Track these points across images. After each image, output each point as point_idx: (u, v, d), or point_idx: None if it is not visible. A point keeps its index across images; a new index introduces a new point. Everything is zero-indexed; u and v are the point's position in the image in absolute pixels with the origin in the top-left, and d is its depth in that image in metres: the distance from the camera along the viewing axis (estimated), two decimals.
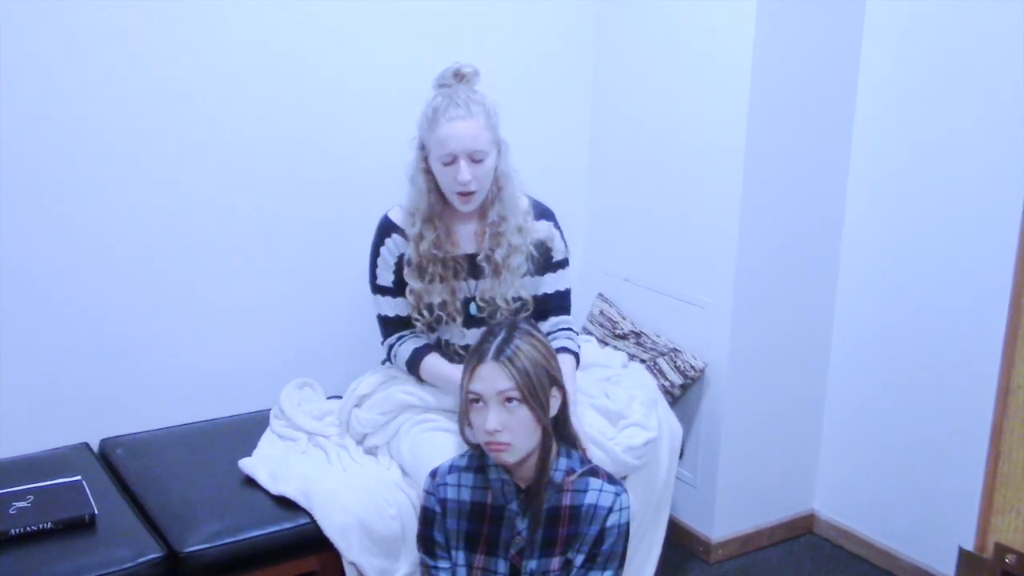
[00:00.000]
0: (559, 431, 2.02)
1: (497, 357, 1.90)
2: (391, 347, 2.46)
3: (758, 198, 2.79)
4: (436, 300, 2.36)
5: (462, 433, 2.05)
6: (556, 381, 1.97)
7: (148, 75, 2.50)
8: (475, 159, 2.25)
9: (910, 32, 2.73)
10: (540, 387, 1.91)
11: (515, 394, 1.88)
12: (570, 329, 2.51)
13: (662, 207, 3.04)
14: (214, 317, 2.73)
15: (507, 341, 1.92)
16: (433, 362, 2.40)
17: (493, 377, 1.89)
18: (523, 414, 1.89)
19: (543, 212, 2.47)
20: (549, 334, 2.45)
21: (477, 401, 1.91)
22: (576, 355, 2.46)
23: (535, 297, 2.47)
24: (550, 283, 2.48)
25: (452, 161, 2.25)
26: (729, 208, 2.79)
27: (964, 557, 2.59)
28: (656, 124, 3.02)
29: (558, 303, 2.51)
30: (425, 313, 2.38)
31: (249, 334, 2.79)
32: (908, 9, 2.72)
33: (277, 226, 2.77)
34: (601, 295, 3.24)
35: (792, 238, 2.90)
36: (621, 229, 3.21)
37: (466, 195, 2.29)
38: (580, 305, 3.12)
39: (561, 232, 2.49)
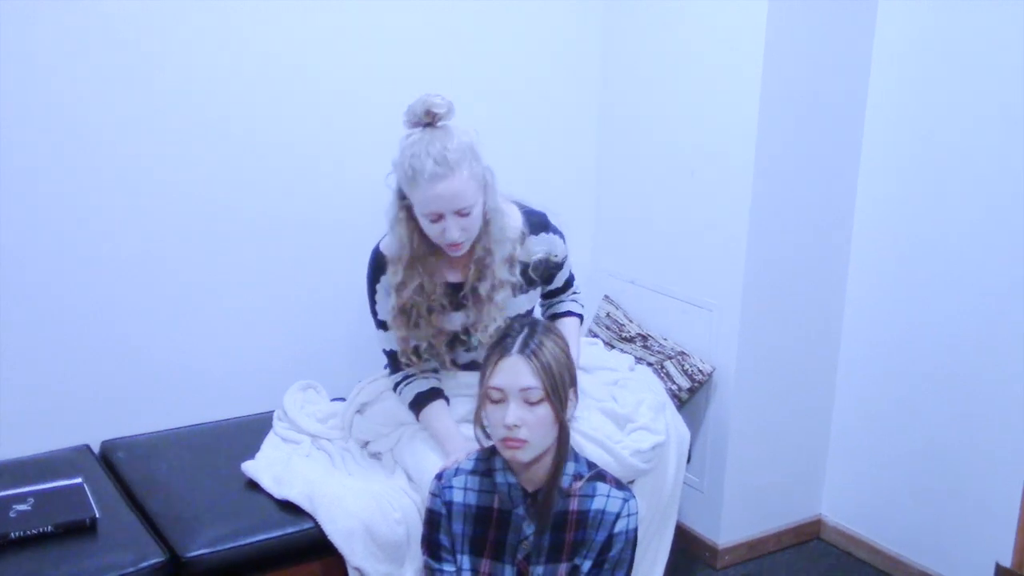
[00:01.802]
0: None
1: (522, 351, 1.87)
2: (397, 384, 2.39)
3: (768, 200, 2.76)
4: (423, 344, 2.29)
5: (476, 433, 2.01)
6: (575, 381, 1.95)
7: (151, 77, 2.48)
8: (463, 213, 2.13)
9: (921, 35, 2.71)
10: (561, 385, 1.89)
11: (539, 392, 1.86)
12: (577, 294, 2.56)
13: (669, 209, 3.01)
14: (216, 318, 2.70)
15: (531, 336, 1.90)
16: (429, 415, 2.32)
17: (517, 372, 1.86)
18: (543, 412, 1.87)
19: (537, 224, 2.35)
20: (560, 302, 2.53)
21: (498, 395, 1.89)
22: (580, 317, 2.52)
23: (548, 290, 2.49)
24: (558, 280, 2.49)
25: (438, 219, 2.14)
26: (738, 210, 2.76)
27: (1002, 574, 2.56)
28: (664, 125, 2.99)
29: (567, 288, 2.55)
30: (413, 357, 2.31)
31: (252, 335, 2.76)
32: (920, 11, 2.70)
33: (280, 228, 2.75)
34: (607, 297, 3.21)
35: (801, 241, 2.88)
36: (628, 231, 3.19)
37: (455, 246, 2.18)
38: (586, 307, 3.09)
39: (560, 234, 2.40)
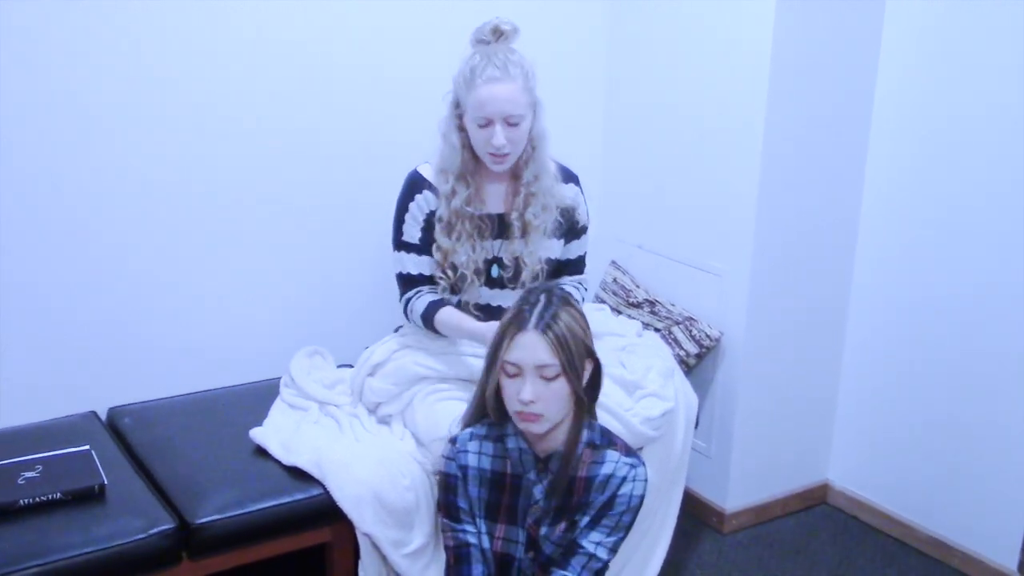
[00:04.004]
0: (589, 399, 1.99)
1: (539, 327, 1.85)
2: (408, 301, 2.42)
3: (778, 164, 2.73)
4: (461, 259, 2.33)
5: (477, 401, 2.00)
6: (591, 352, 1.94)
7: (149, 42, 2.45)
8: (511, 122, 2.23)
9: None
10: (578, 358, 1.88)
11: (555, 369, 1.85)
12: (581, 284, 2.55)
13: (678, 172, 2.98)
14: (223, 285, 2.69)
15: (548, 309, 1.87)
16: (448, 313, 2.37)
17: (534, 348, 1.84)
18: (559, 386, 1.87)
19: (569, 176, 2.47)
20: (564, 284, 2.50)
21: (513, 369, 1.87)
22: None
23: (558, 261, 2.48)
24: (574, 250, 2.50)
25: (487, 124, 2.22)
26: (748, 174, 2.73)
27: None
28: (673, 87, 2.95)
29: (577, 267, 2.55)
30: (449, 272, 2.35)
31: (259, 302, 2.75)
32: None
33: (287, 193, 2.73)
34: (614, 263, 3.19)
35: (811, 205, 2.85)
36: (635, 195, 3.16)
37: (499, 157, 2.27)
38: (593, 273, 3.07)
39: (584, 197, 2.50)
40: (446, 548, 2.02)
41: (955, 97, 2.66)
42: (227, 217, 2.66)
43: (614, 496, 1.93)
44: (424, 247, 2.37)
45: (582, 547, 1.94)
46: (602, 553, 1.94)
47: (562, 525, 1.96)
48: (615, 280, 3.13)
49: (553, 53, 3.04)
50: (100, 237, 2.49)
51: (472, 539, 1.97)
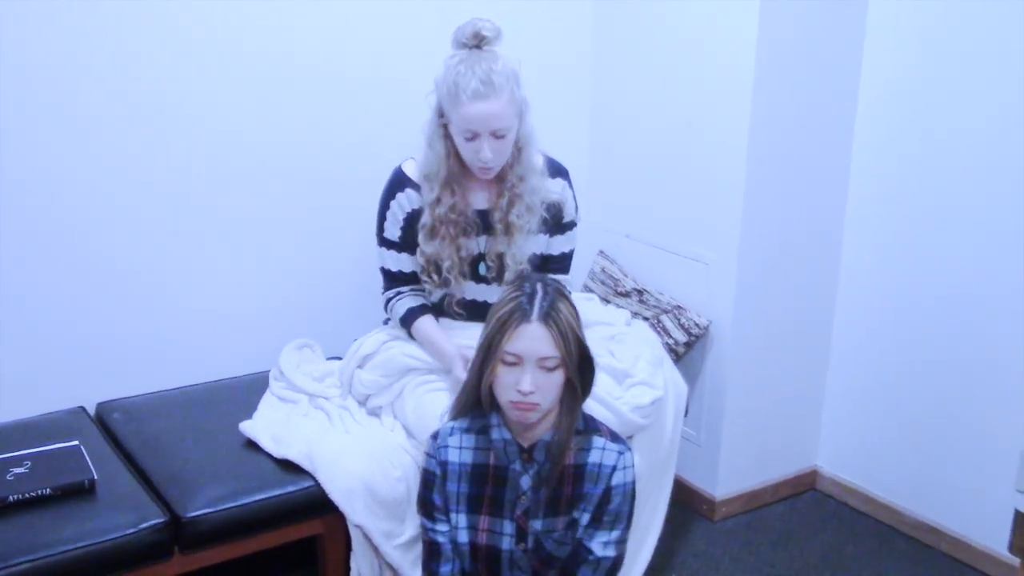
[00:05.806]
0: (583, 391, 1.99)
1: (543, 319, 1.84)
2: (388, 300, 2.44)
3: (765, 152, 2.74)
4: (445, 262, 2.32)
5: (468, 392, 2.00)
6: (583, 345, 1.93)
7: (138, 42, 2.44)
8: (498, 135, 2.20)
9: None
10: (576, 349, 1.88)
11: (556, 361, 1.85)
12: (567, 284, 2.50)
13: (665, 161, 2.98)
14: (212, 278, 2.69)
15: (548, 300, 1.87)
16: (425, 325, 2.37)
17: (538, 340, 1.84)
18: (557, 377, 1.87)
19: (558, 170, 2.43)
20: None
21: (513, 359, 1.86)
22: None
23: (541, 256, 2.46)
24: (557, 245, 2.47)
25: (474, 137, 2.20)
26: (735, 162, 2.74)
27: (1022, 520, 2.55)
28: (659, 74, 2.95)
29: (560, 264, 2.51)
30: (434, 276, 2.33)
31: (248, 295, 2.75)
32: None
33: (276, 185, 2.73)
34: (602, 252, 3.19)
35: (798, 192, 2.86)
36: (622, 184, 3.16)
37: (486, 168, 2.25)
38: (581, 262, 3.08)
39: (574, 192, 2.46)
40: (423, 542, 2.02)
41: (939, 86, 2.66)
42: (215, 212, 2.65)
43: (609, 489, 1.93)
44: (403, 245, 2.37)
45: (591, 552, 1.94)
46: (611, 552, 1.95)
47: (560, 521, 1.96)
48: (603, 269, 3.14)
49: (540, 43, 3.05)
50: (88, 232, 2.48)
51: (441, 539, 1.96)
